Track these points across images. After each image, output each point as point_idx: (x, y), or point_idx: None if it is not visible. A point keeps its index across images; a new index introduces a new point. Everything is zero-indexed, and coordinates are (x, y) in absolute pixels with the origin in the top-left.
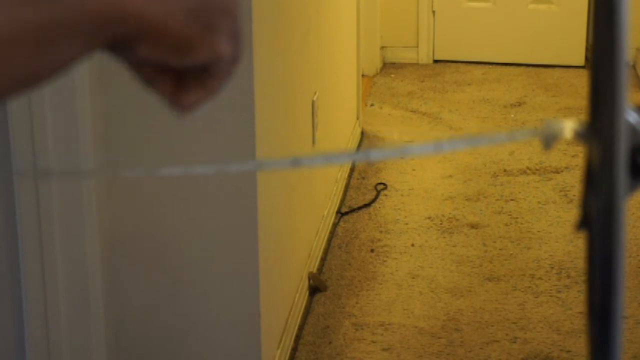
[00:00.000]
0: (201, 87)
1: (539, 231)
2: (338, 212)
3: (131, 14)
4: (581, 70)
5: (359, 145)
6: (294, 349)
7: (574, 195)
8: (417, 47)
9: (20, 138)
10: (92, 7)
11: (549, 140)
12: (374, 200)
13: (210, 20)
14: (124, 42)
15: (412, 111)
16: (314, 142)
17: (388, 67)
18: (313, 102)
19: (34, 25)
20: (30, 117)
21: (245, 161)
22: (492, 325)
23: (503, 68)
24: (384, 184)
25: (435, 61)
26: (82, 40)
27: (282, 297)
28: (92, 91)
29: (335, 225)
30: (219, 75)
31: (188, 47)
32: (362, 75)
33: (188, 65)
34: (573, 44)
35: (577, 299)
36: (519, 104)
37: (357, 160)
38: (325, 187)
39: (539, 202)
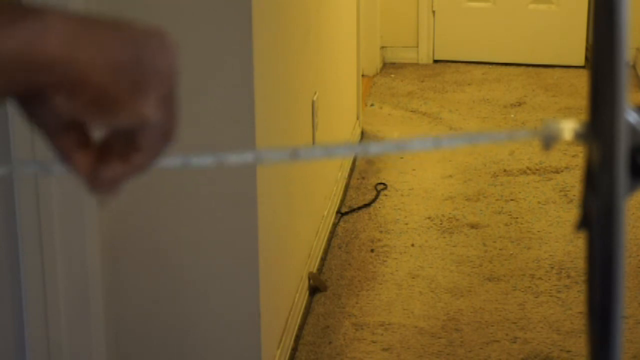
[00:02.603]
0: (125, 161)
1: (539, 231)
2: (338, 212)
3: (48, 58)
4: (581, 70)
5: None
6: (294, 349)
7: (574, 195)
8: (417, 47)
9: (20, 137)
10: (5, 49)
11: (549, 140)
12: (374, 200)
13: (139, 79)
14: (39, 92)
15: (412, 111)
16: (314, 142)
17: (388, 67)
18: (313, 102)
19: None
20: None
21: (244, 152)
22: (492, 325)
23: (503, 68)
24: (384, 184)
25: (435, 61)
26: None
27: (282, 297)
28: None
29: (335, 225)
30: (147, 147)
31: (110, 103)
32: (362, 75)
33: (109, 126)
34: (573, 44)
35: (577, 299)
36: (519, 104)
37: (356, 153)
38: (325, 188)
39: (539, 202)
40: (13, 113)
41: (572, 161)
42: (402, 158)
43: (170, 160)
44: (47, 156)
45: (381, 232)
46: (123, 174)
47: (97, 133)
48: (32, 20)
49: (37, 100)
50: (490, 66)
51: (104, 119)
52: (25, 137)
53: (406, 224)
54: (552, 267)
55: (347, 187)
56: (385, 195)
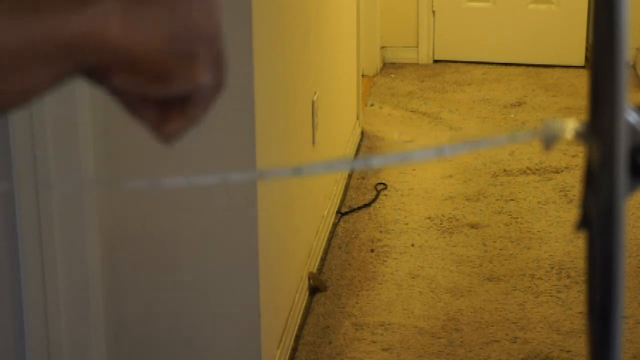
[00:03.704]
0: (183, 116)
1: (539, 231)
2: (338, 212)
3: (109, 43)
4: (581, 70)
5: (359, 146)
6: (294, 349)
7: (574, 195)
8: (417, 47)
9: (20, 147)
10: (67, 34)
11: (549, 140)
12: (374, 200)
13: (190, 50)
14: (100, 71)
15: (412, 111)
16: (314, 142)
17: (388, 67)
18: (313, 102)
19: (1, 51)
20: (31, 126)
21: (246, 171)
22: (492, 325)
23: (503, 68)
24: (384, 184)
25: (435, 61)
26: (53, 68)
27: (282, 297)
28: (92, 99)
29: (335, 225)
30: (201, 103)
31: (166, 77)
32: (362, 75)
33: (167, 95)
34: (573, 44)
35: (577, 299)
36: (519, 104)
37: (358, 167)
38: (325, 187)
39: (539, 202)
40: (14, 126)
41: (572, 161)
42: (403, 164)
43: (174, 181)
44: (47, 156)
45: (381, 232)
46: (182, 126)
47: None
48: (93, 5)
49: (97, 78)
50: (490, 66)
51: (161, 91)
52: (25, 140)
53: (406, 224)
54: (552, 267)
55: (347, 187)
56: (385, 195)
